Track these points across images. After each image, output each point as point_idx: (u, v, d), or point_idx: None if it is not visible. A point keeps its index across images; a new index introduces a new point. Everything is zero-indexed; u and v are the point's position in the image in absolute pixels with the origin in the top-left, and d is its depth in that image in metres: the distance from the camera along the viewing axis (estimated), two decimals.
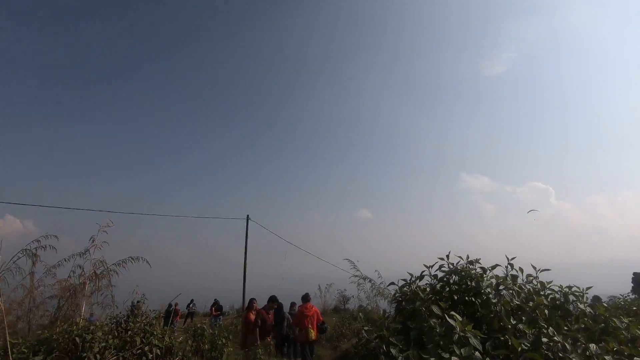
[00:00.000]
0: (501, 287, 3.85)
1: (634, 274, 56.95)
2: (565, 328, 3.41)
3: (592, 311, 3.74)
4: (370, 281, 11.43)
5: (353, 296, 29.53)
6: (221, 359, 5.57)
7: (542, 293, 3.95)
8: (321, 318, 8.82)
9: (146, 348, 4.22)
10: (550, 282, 3.97)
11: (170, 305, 18.27)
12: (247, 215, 22.84)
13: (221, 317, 18.89)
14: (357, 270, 11.36)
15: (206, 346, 5.68)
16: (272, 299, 8.69)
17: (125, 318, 4.91)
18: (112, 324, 4.73)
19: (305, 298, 8.94)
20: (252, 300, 8.71)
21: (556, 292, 3.94)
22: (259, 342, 7.60)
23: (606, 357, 2.96)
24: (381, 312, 10.90)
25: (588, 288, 3.93)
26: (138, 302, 19.87)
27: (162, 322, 17.46)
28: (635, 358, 2.90)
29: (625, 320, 3.58)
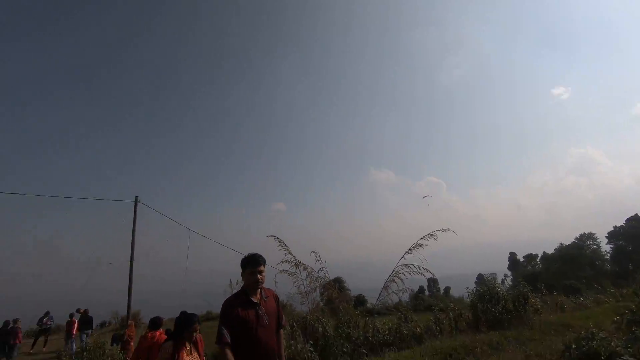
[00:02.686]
0: None
1: (510, 253, 65.68)
2: None
3: None
4: (305, 269, 7.89)
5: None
6: None
7: None
8: None
9: None
10: None
11: (6, 323, 12.40)
12: (136, 197, 18.00)
13: (90, 331, 13.88)
14: (289, 253, 7.60)
15: None
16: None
17: None
18: None
19: (155, 323, 6.19)
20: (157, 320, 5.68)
21: None
22: None
23: None
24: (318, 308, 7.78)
25: None
26: None
27: None
28: None
29: None
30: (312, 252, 7.76)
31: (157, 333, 5.96)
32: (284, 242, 7.42)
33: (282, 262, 7.33)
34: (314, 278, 7.74)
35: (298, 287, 7.71)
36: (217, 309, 21.76)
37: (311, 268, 7.65)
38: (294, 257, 7.59)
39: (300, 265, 7.67)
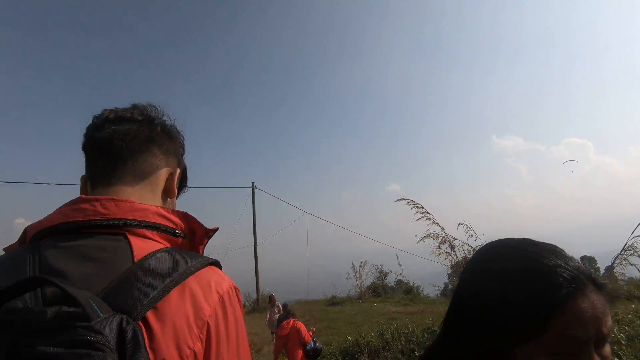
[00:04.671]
0: None
1: None
2: None
3: None
4: (450, 244, 5.12)
5: (391, 271, 24.60)
6: None
7: None
8: (306, 336, 6.11)
9: None
10: None
11: None
12: (253, 183, 18.42)
13: None
14: (434, 222, 4.97)
15: None
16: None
17: None
18: None
19: (285, 313, 6.75)
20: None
21: None
22: None
23: None
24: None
25: None
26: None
27: None
28: None
29: None
30: (460, 223, 5.11)
31: (291, 320, 6.25)
32: (422, 206, 4.90)
33: (425, 237, 4.94)
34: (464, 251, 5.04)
35: (454, 271, 5.24)
36: (342, 292, 21.17)
37: (468, 245, 4.97)
38: (442, 229, 4.93)
39: (450, 240, 5.01)
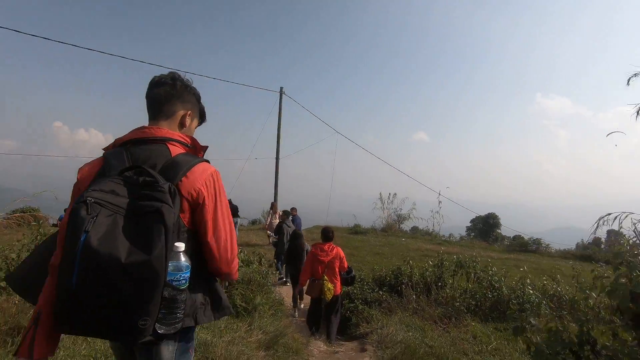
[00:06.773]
0: None
1: None
2: None
3: None
4: None
5: (410, 216, 22.91)
6: None
7: None
8: (346, 264, 5.81)
9: None
10: None
11: None
12: (281, 88, 16.18)
13: (237, 220, 13.39)
14: None
15: None
16: None
17: None
18: None
19: (326, 235, 5.91)
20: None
21: None
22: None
23: None
24: None
25: None
26: None
27: None
28: None
29: None
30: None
31: (333, 246, 5.83)
32: None
33: None
34: None
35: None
36: (364, 224, 19.75)
37: None
38: None
39: None
